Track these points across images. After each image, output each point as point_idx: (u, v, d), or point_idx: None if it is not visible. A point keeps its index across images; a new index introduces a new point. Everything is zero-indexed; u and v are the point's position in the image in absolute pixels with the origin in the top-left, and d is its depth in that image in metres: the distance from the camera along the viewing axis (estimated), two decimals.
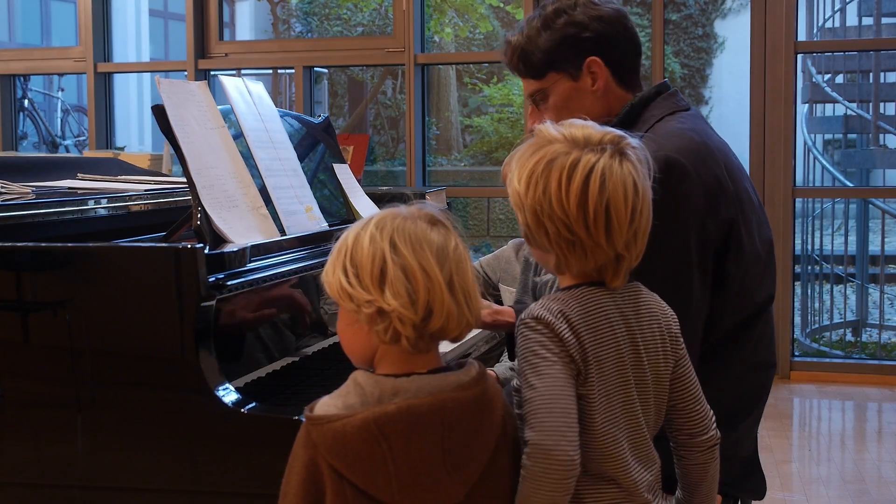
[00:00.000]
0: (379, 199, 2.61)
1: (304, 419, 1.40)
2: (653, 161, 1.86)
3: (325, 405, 1.40)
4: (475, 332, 2.19)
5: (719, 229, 1.91)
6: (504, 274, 2.62)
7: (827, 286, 6.69)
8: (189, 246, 1.71)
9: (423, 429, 1.36)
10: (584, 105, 2.06)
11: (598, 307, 1.51)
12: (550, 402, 1.44)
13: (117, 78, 7.07)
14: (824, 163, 6.63)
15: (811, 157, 6.59)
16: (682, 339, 1.60)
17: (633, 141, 1.53)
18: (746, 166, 3.61)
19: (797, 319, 6.11)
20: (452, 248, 1.43)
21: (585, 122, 1.55)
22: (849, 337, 6.57)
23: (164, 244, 1.85)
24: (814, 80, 6.79)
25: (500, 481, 1.45)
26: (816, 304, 6.60)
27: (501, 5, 10.06)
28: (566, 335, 1.46)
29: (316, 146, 2.56)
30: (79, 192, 2.39)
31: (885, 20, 6.92)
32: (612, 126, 1.97)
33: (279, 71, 7.46)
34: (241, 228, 1.93)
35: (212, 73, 6.33)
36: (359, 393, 1.40)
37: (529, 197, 1.50)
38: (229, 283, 1.78)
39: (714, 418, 1.62)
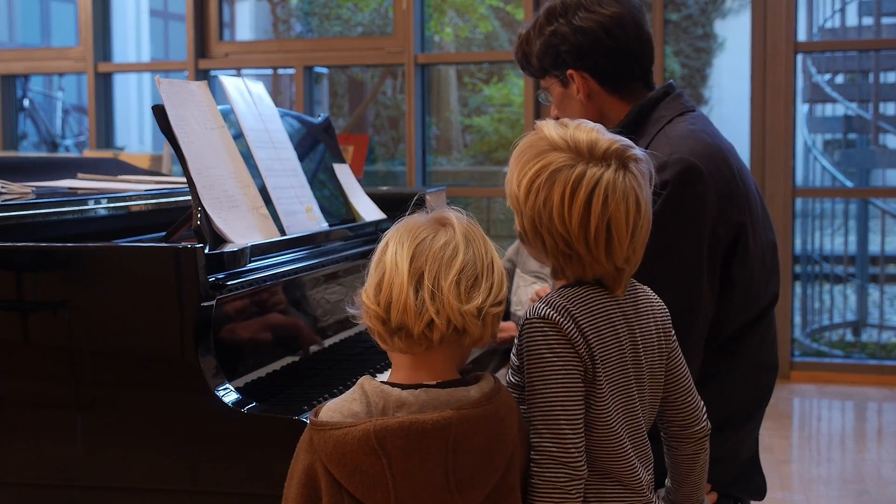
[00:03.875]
0: (380, 200, 2.61)
1: (307, 421, 1.39)
2: (669, 164, 1.87)
3: (330, 410, 1.39)
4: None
5: (729, 233, 1.91)
6: (522, 265, 2.70)
7: (827, 286, 6.69)
8: (189, 246, 1.71)
9: (425, 446, 1.33)
10: (574, 110, 2.08)
11: (602, 308, 1.51)
12: (557, 409, 1.44)
13: (117, 78, 7.07)
14: (824, 163, 6.63)
15: (811, 157, 6.59)
16: (673, 333, 1.60)
17: (637, 152, 1.51)
18: (747, 166, 3.61)
19: (797, 319, 6.11)
20: (440, 245, 1.39)
21: (592, 126, 1.52)
22: (849, 337, 6.57)
23: (164, 244, 1.85)
24: (814, 80, 6.79)
25: (507, 501, 1.40)
26: (816, 304, 6.60)
27: (501, 5, 10.05)
28: (573, 334, 1.46)
29: (316, 146, 2.56)
30: (79, 192, 2.39)
31: (885, 20, 6.92)
32: (622, 126, 1.99)
33: (279, 71, 7.45)
34: (241, 228, 1.93)
35: (212, 73, 6.33)
36: (364, 402, 1.37)
37: (529, 206, 1.48)
38: (229, 283, 1.78)
39: (705, 410, 1.63)
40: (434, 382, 1.39)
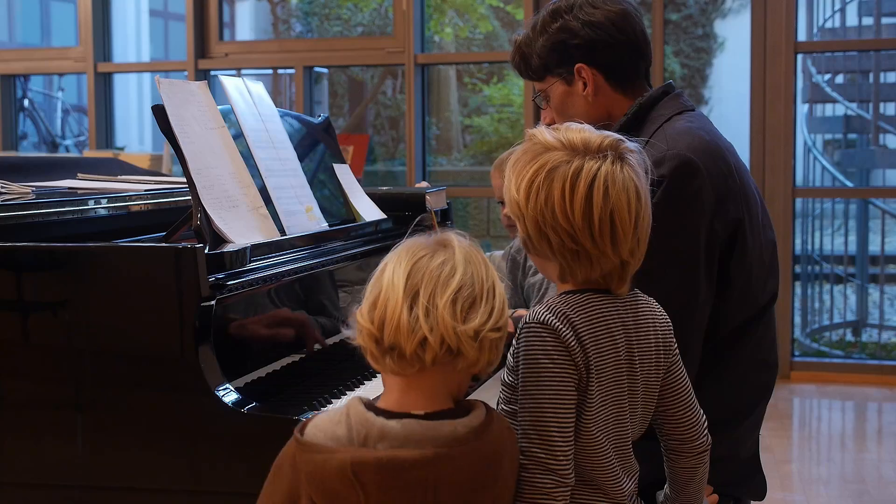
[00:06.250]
0: (380, 200, 2.61)
1: (295, 433, 1.36)
2: (666, 159, 1.87)
3: (315, 428, 1.35)
4: None
5: (726, 229, 1.91)
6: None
7: (827, 286, 6.69)
8: (189, 246, 1.71)
9: (404, 483, 1.29)
10: (578, 108, 2.08)
11: (602, 316, 1.50)
12: (549, 415, 1.43)
13: (117, 78, 7.06)
14: (824, 163, 6.64)
15: (811, 157, 6.59)
16: (675, 347, 1.60)
17: (630, 144, 1.52)
18: (746, 166, 3.62)
19: (797, 319, 6.11)
20: (438, 263, 1.35)
21: (582, 126, 1.53)
22: (849, 337, 6.57)
23: (164, 244, 1.85)
24: (814, 80, 6.79)
25: None
26: (816, 304, 6.60)
27: (501, 5, 10.05)
28: (571, 342, 1.45)
29: (316, 146, 2.56)
30: (79, 192, 2.39)
31: (885, 20, 6.92)
32: (621, 125, 2.00)
33: (279, 71, 7.45)
34: (241, 228, 1.93)
35: (212, 73, 6.33)
36: (347, 426, 1.34)
37: (531, 207, 1.47)
38: (229, 283, 1.78)
39: (706, 424, 1.62)
40: (422, 412, 1.35)
